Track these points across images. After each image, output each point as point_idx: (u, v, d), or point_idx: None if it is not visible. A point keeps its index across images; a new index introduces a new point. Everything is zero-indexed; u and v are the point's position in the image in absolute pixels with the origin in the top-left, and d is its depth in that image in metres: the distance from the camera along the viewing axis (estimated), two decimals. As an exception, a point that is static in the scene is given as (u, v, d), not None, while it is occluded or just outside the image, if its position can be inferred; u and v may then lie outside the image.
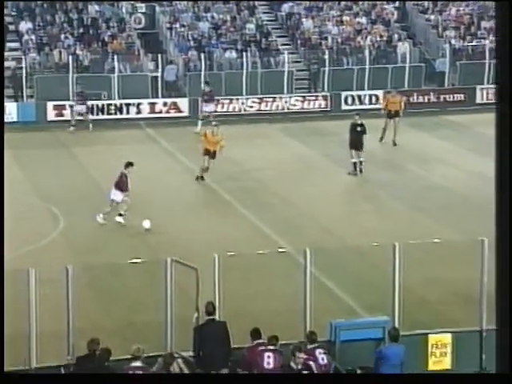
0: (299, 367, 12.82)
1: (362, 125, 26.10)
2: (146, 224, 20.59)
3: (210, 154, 24.79)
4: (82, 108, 32.35)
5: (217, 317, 13.53)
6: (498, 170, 3.39)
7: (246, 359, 13.22)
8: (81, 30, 36.88)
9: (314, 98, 35.41)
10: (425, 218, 21.64)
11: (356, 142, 25.74)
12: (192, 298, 13.80)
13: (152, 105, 34.19)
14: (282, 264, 17.48)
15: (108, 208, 21.20)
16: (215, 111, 32.24)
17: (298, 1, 39.77)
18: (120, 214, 21.14)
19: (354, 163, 25.69)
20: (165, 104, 34.28)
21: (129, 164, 21.50)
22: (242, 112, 34.53)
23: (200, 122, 31.32)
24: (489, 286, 14.19)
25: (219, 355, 13.23)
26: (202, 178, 25.05)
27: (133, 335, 14.56)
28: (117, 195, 21.19)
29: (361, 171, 25.68)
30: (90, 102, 32.87)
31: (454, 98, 35.76)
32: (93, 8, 38.15)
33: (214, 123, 25.03)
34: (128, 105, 33.91)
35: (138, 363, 12.33)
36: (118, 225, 21.02)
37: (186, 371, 12.91)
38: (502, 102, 3.32)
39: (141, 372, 12.29)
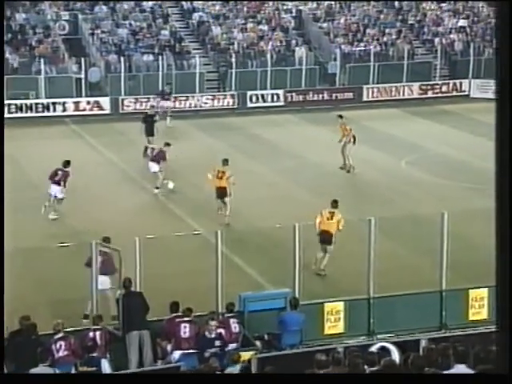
0: (212, 335, 12.83)
1: (153, 115, 27.09)
2: (170, 185, 22.00)
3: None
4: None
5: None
6: (498, 176, 3.11)
7: (165, 330, 13.19)
8: (9, 36, 35.90)
9: (222, 96, 35.47)
10: (322, 201, 21.83)
11: (149, 131, 26.45)
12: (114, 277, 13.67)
13: (76, 103, 33.68)
14: (196, 245, 17.45)
15: (47, 202, 20.22)
16: (173, 107, 32.23)
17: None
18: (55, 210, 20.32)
19: (147, 148, 25.83)
20: (88, 103, 33.83)
21: (66, 162, 20.34)
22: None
23: (169, 118, 31.08)
24: (376, 262, 14.51)
25: (138, 318, 13.17)
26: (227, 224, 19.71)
27: (64, 311, 14.31)
28: (55, 190, 20.12)
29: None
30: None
31: (344, 96, 36.30)
32: (20, 16, 37.26)
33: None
34: (54, 103, 33.36)
35: (59, 335, 12.41)
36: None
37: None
38: (503, 105, 3.02)
39: (63, 342, 12.18)
